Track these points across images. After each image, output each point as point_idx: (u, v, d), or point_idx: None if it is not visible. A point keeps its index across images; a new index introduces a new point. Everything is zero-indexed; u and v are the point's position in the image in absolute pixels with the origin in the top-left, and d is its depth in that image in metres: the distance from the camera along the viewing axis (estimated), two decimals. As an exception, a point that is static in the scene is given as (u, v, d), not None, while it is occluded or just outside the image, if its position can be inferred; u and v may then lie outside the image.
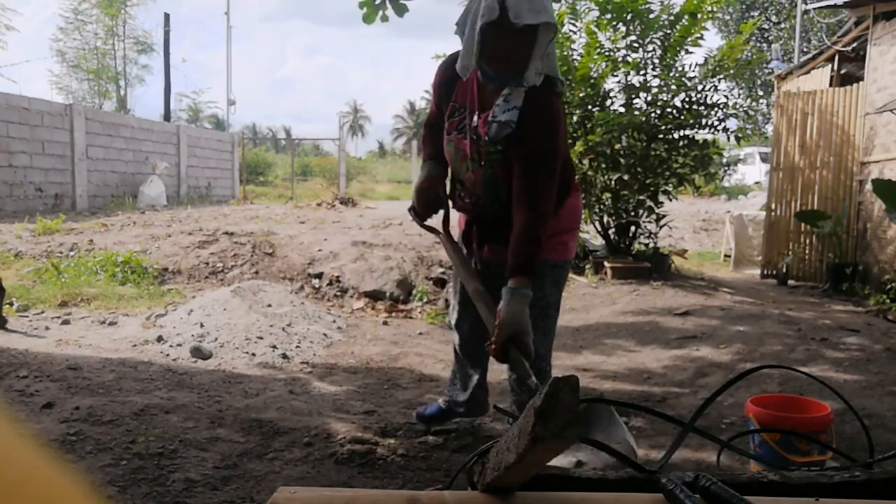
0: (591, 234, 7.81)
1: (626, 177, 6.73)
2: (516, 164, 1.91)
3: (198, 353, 3.73)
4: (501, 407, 1.49)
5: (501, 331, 1.68)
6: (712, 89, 6.74)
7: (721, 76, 6.75)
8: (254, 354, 3.80)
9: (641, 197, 6.77)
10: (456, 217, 2.36)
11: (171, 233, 7.15)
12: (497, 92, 1.94)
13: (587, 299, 5.80)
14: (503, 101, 1.90)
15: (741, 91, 18.06)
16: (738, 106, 6.94)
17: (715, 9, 6.55)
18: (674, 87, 6.68)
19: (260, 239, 6.63)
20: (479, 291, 1.90)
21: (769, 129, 17.83)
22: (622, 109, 6.77)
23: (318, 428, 2.63)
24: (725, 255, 8.67)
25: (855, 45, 7.05)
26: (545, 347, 2.19)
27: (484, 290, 1.89)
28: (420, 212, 2.29)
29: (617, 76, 6.78)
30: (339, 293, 5.67)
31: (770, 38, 23.54)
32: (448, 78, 2.08)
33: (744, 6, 24.01)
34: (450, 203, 2.30)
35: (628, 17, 6.48)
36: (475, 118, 2.00)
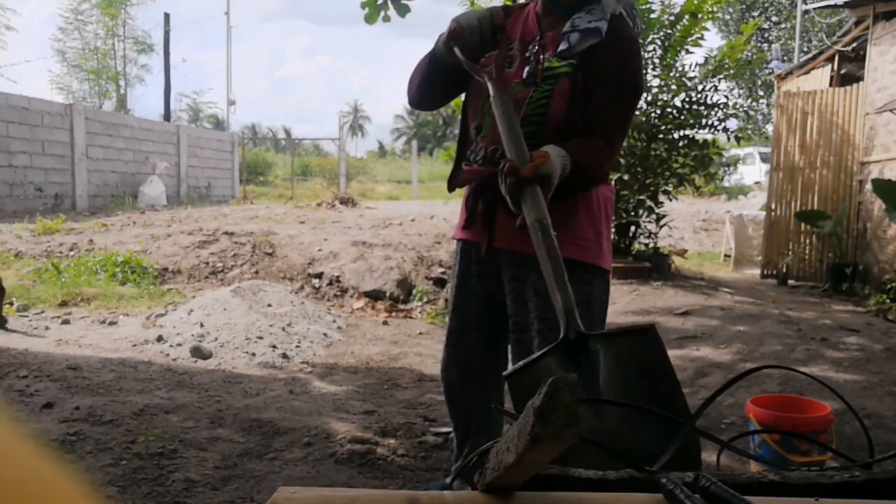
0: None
1: (626, 177, 6.73)
2: (593, 92, 1.61)
3: (198, 352, 3.73)
4: (501, 407, 1.49)
5: (542, 163, 1.40)
6: (712, 89, 6.75)
7: (721, 76, 6.75)
8: (254, 354, 3.80)
9: (641, 197, 6.78)
10: (459, 207, 1.94)
11: (171, 233, 7.15)
12: (562, 22, 1.67)
13: (587, 299, 5.80)
14: (585, 14, 1.64)
15: (741, 91, 18.11)
16: (738, 106, 6.96)
17: (715, 9, 6.55)
18: (674, 87, 6.68)
19: (260, 239, 6.63)
20: (511, 112, 1.50)
21: (769, 129, 17.82)
22: (622, 109, 6.77)
23: (318, 428, 2.63)
24: (725, 255, 8.67)
25: (855, 45, 7.06)
26: None
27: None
28: (468, 42, 1.69)
29: (617, 76, 6.78)
30: (339, 293, 5.68)
31: (770, 38, 23.54)
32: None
33: (744, 6, 24.00)
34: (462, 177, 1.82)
35: (628, 17, 6.48)
36: (533, 45, 1.70)
